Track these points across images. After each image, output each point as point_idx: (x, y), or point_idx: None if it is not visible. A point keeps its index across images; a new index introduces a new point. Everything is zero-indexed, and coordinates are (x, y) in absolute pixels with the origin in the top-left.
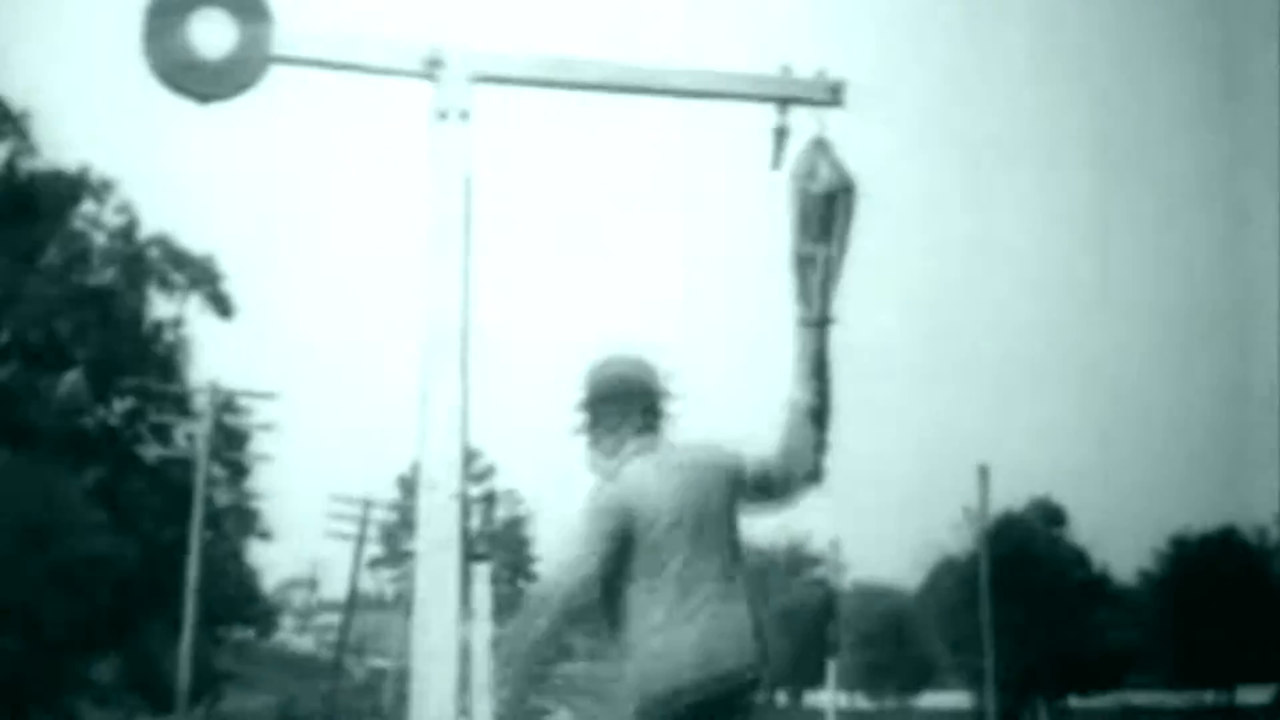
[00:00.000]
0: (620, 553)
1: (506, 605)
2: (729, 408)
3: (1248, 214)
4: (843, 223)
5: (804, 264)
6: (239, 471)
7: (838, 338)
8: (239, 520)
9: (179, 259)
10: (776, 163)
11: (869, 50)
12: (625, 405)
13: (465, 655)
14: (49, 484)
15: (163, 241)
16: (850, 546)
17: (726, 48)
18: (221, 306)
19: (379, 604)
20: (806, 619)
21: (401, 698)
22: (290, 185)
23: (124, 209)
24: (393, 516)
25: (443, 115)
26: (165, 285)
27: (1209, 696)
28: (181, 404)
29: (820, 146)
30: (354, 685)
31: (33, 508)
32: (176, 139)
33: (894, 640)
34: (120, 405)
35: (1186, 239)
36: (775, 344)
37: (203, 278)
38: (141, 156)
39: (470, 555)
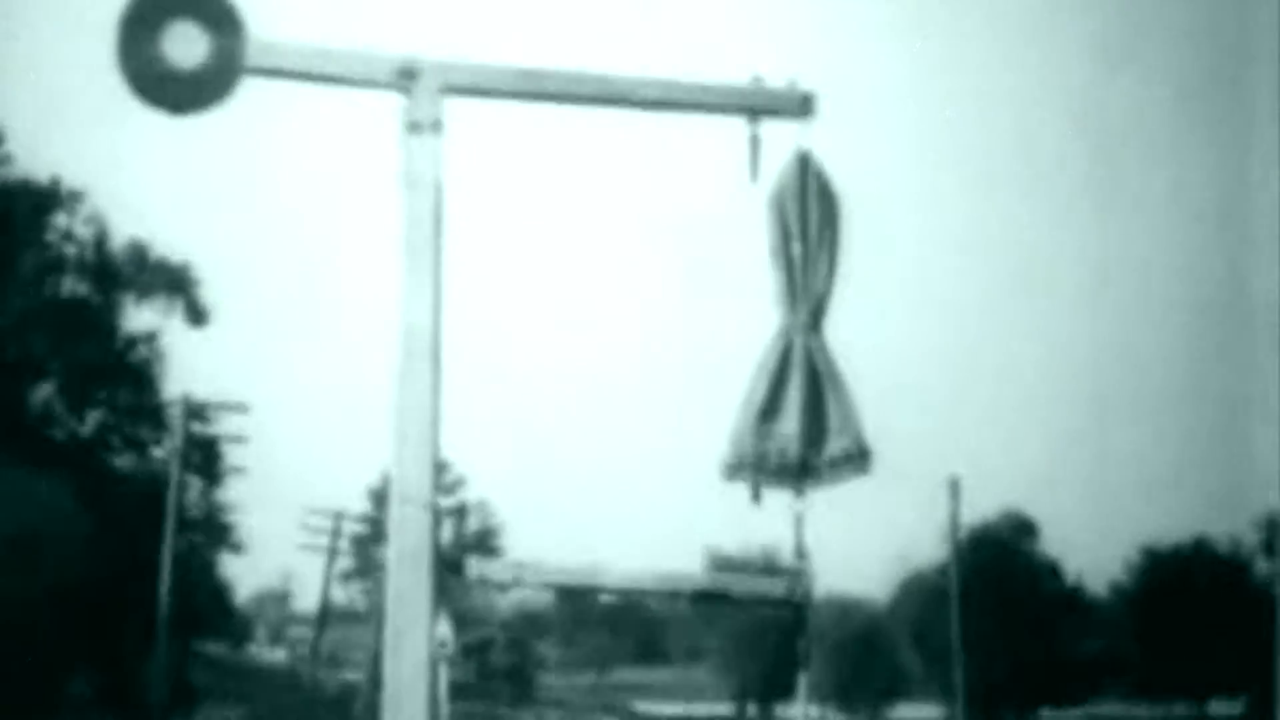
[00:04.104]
0: None
1: (478, 619)
2: (706, 412)
3: (1240, 226)
4: (815, 231)
5: (775, 270)
6: (211, 484)
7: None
8: (211, 533)
9: (154, 267)
10: (755, 173)
11: (854, 57)
12: None
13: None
14: (22, 497)
15: (137, 249)
16: (821, 557)
17: (703, 58)
18: (195, 314)
19: (351, 616)
20: (777, 631)
21: (373, 709)
22: (263, 196)
23: (94, 220)
24: (364, 528)
25: (415, 127)
26: (142, 290)
27: (1180, 708)
28: (154, 416)
29: (797, 158)
30: (326, 697)
31: (7, 521)
32: (149, 150)
33: (866, 652)
34: (93, 417)
35: (1169, 251)
36: (752, 354)
37: (178, 284)
38: (114, 168)
39: (444, 564)
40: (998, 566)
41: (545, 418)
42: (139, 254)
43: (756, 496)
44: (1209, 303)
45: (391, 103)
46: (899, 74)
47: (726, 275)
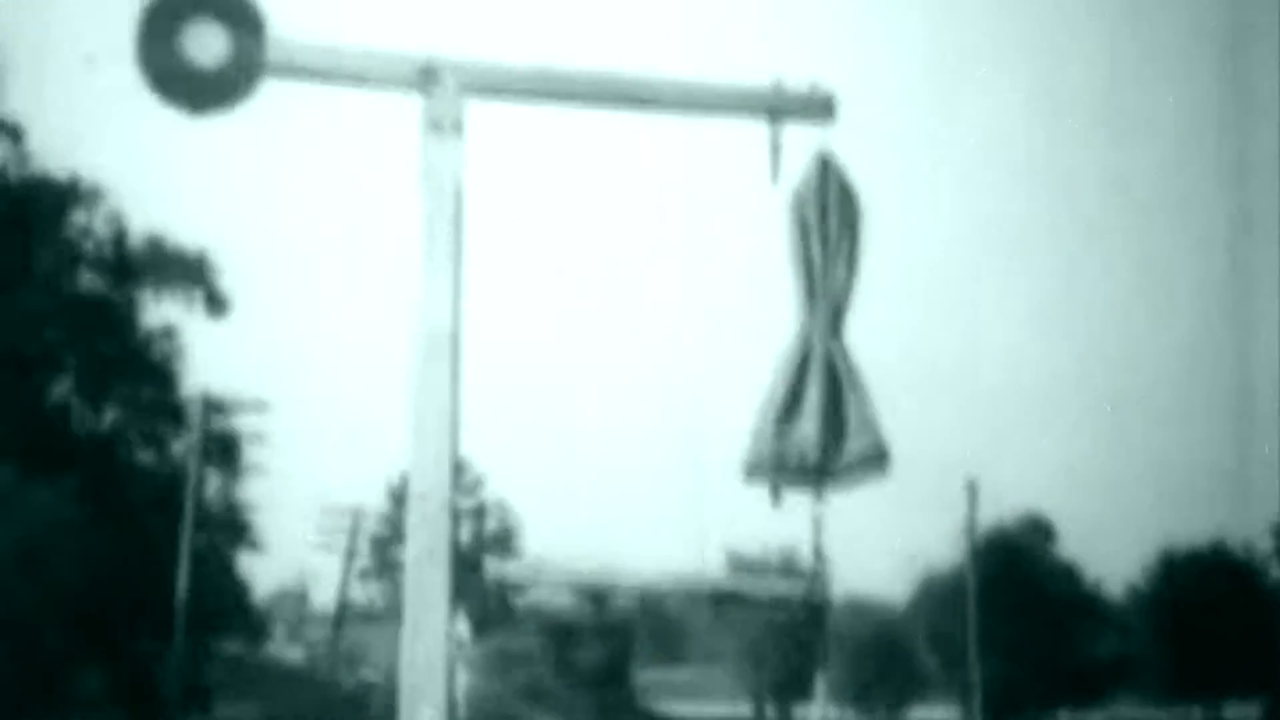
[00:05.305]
0: None
1: (497, 620)
2: (725, 413)
3: (1250, 231)
4: (837, 234)
5: (795, 272)
6: (229, 481)
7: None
8: (229, 530)
9: (172, 259)
10: (775, 175)
11: (869, 61)
12: None
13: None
14: (39, 494)
15: (155, 242)
16: (839, 560)
17: (724, 60)
18: (215, 304)
19: (369, 615)
20: (795, 632)
21: (391, 709)
22: (284, 195)
23: (113, 217)
24: (383, 528)
25: (435, 127)
26: (160, 282)
27: (1196, 710)
28: (173, 412)
29: (818, 161)
30: (343, 696)
31: (22, 518)
32: (169, 149)
33: (883, 654)
34: (111, 414)
35: (1183, 254)
36: (772, 355)
37: (196, 275)
38: (133, 167)
39: (462, 564)
40: (1015, 568)
41: (565, 418)
42: (157, 247)
43: (776, 498)
44: (1230, 308)
45: (412, 103)
46: (920, 75)
47: (747, 277)
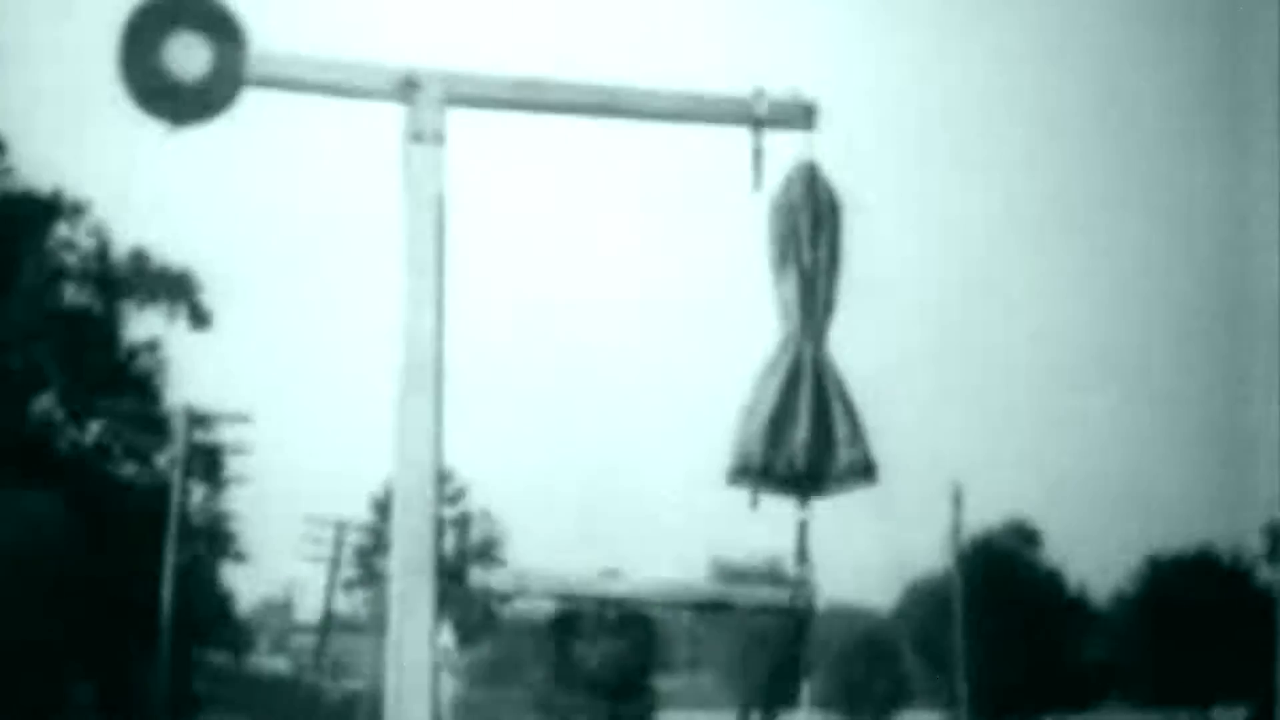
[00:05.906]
0: None
1: (480, 629)
2: (706, 425)
3: (1248, 232)
4: (822, 241)
5: (779, 280)
6: (213, 493)
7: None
8: (214, 542)
9: (155, 274)
10: (758, 184)
11: (850, 68)
12: None
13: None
14: (24, 507)
15: (139, 257)
16: (825, 566)
17: (706, 69)
18: (198, 318)
19: (354, 626)
20: (781, 639)
21: (376, 718)
22: (266, 206)
23: (96, 230)
24: (367, 538)
25: (417, 137)
26: (144, 297)
27: (1184, 715)
28: (156, 425)
29: (803, 168)
30: (328, 707)
31: (8, 531)
32: (153, 161)
33: (870, 660)
34: (95, 427)
35: (1176, 258)
36: (753, 362)
37: (180, 290)
38: (116, 179)
39: (447, 574)
40: (1000, 574)
41: (548, 427)
42: (141, 261)
43: (755, 503)
44: (1214, 311)
45: (394, 113)
46: (901, 81)
47: (730, 283)
